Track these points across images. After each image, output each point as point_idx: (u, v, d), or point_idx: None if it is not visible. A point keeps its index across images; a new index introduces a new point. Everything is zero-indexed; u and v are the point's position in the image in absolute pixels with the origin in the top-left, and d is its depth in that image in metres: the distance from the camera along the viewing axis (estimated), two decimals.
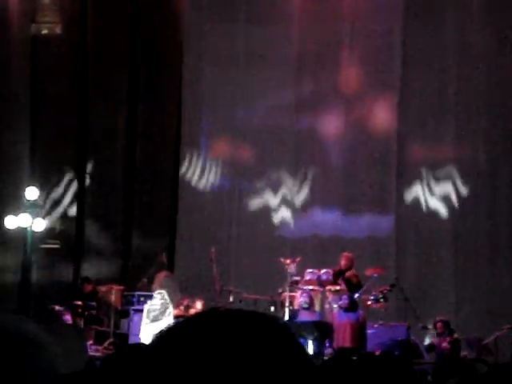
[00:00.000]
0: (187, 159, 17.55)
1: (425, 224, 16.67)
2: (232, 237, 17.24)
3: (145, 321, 12.24)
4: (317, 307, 14.26)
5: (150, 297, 13.97)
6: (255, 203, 17.27)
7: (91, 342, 14.67)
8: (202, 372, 1.25)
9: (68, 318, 14.90)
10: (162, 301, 12.23)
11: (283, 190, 17.19)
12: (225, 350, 1.25)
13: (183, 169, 17.52)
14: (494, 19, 16.27)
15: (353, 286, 14.22)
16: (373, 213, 16.74)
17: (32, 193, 15.62)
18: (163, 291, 12.42)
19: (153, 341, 1.32)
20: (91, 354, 13.77)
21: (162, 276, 15.15)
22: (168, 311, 12.17)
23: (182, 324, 1.31)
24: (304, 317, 13.64)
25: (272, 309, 15.10)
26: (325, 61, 17.03)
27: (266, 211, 17.25)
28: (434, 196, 16.75)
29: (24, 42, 17.15)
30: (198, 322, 1.31)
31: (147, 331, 12.39)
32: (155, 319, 12.16)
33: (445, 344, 13.64)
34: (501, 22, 16.25)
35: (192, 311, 13.77)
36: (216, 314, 1.32)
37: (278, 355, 1.28)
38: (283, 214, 17.16)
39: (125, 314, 15.01)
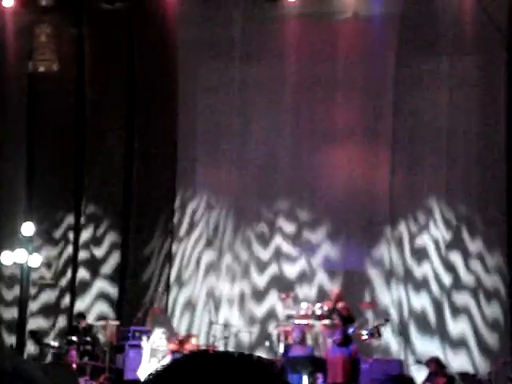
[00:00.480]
0: (181, 193, 17.61)
1: (418, 257, 16.62)
2: (226, 270, 17.19)
3: (147, 359, 12.24)
4: (310, 342, 14.28)
5: (146, 332, 13.97)
6: (250, 236, 17.26)
7: (87, 377, 14.67)
8: None
9: (73, 353, 14.88)
10: (166, 340, 12.30)
11: (279, 223, 17.17)
12: None
13: (177, 203, 17.56)
14: (485, 52, 16.42)
15: (344, 320, 14.23)
16: (368, 247, 16.71)
17: (28, 228, 15.68)
18: (165, 330, 12.47)
19: (145, 381, 1.34)
20: None
21: (155, 312, 15.19)
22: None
23: (172, 366, 1.32)
24: (297, 351, 13.67)
25: (267, 343, 15.15)
26: (319, 96, 17.16)
27: (262, 244, 17.23)
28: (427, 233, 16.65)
29: (21, 79, 17.29)
30: (186, 365, 1.31)
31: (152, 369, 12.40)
32: (163, 357, 12.24)
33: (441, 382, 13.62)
34: (491, 54, 16.41)
35: (187, 346, 13.78)
36: (204, 357, 1.32)
37: None
38: (279, 246, 17.11)
39: (120, 349, 14.99)
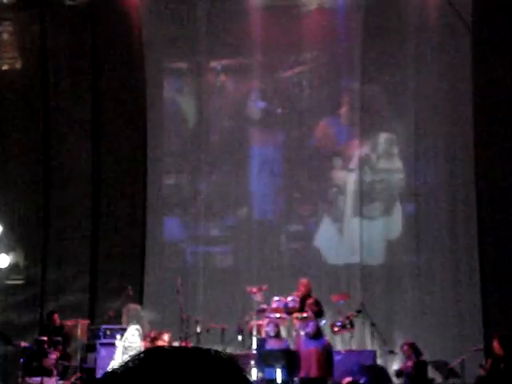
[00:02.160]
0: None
1: (388, 248, 16.69)
2: (198, 266, 17.14)
3: (121, 357, 12.10)
4: (284, 335, 14.23)
5: (118, 330, 13.82)
6: (220, 231, 17.23)
7: (58, 377, 14.51)
8: None
9: (54, 356, 14.64)
10: (140, 337, 12.15)
11: (246, 214, 17.19)
12: None
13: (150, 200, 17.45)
14: (451, 41, 16.48)
15: (314, 313, 14.19)
16: (338, 238, 16.77)
17: None
18: (139, 327, 12.32)
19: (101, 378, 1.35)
20: None
21: (131, 309, 15.05)
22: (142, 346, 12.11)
23: (129, 362, 1.34)
24: (272, 345, 13.62)
25: (239, 338, 15.05)
26: (286, 87, 17.20)
27: (230, 237, 17.23)
28: (395, 223, 16.74)
29: None
30: (141, 362, 1.33)
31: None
32: None
33: (409, 363, 13.66)
34: (456, 43, 16.47)
35: (159, 343, 13.65)
36: (159, 353, 1.34)
37: None
38: (247, 240, 17.10)
39: (91, 348, 14.85)
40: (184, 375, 1.28)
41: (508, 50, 15.67)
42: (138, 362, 1.32)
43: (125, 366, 1.32)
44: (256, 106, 17.37)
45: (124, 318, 14.69)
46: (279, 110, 17.24)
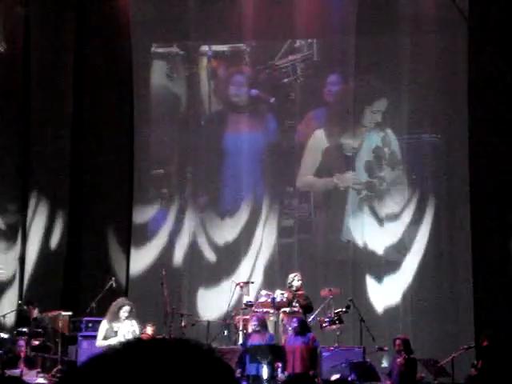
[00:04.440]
0: (138, 183, 17.22)
1: (380, 244, 16.49)
2: (185, 259, 16.91)
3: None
4: (270, 330, 13.96)
5: (99, 323, 13.51)
6: (207, 223, 17.01)
7: (38, 369, 14.25)
8: None
9: (22, 343, 14.41)
10: (134, 328, 11.96)
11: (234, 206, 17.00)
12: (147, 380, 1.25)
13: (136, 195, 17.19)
14: (447, 31, 16.28)
15: (303, 308, 13.96)
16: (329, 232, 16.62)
17: None
18: (134, 320, 12.11)
19: (79, 370, 1.33)
20: (39, 382, 13.36)
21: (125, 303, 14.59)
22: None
23: (107, 353, 1.32)
24: (256, 340, 13.34)
25: (225, 332, 14.80)
26: (280, 78, 16.95)
27: (218, 229, 17.01)
28: (386, 216, 16.55)
29: None
30: (121, 353, 1.30)
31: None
32: None
33: (400, 359, 13.41)
34: (453, 33, 16.26)
35: (143, 336, 13.38)
36: (140, 345, 1.33)
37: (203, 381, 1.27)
38: (236, 232, 16.88)
39: (72, 340, 14.61)
40: (161, 365, 1.25)
41: (505, 40, 15.50)
42: (113, 353, 1.30)
43: (99, 358, 1.31)
44: (248, 93, 17.12)
45: (111, 312, 14.14)
46: (272, 99, 17.01)
